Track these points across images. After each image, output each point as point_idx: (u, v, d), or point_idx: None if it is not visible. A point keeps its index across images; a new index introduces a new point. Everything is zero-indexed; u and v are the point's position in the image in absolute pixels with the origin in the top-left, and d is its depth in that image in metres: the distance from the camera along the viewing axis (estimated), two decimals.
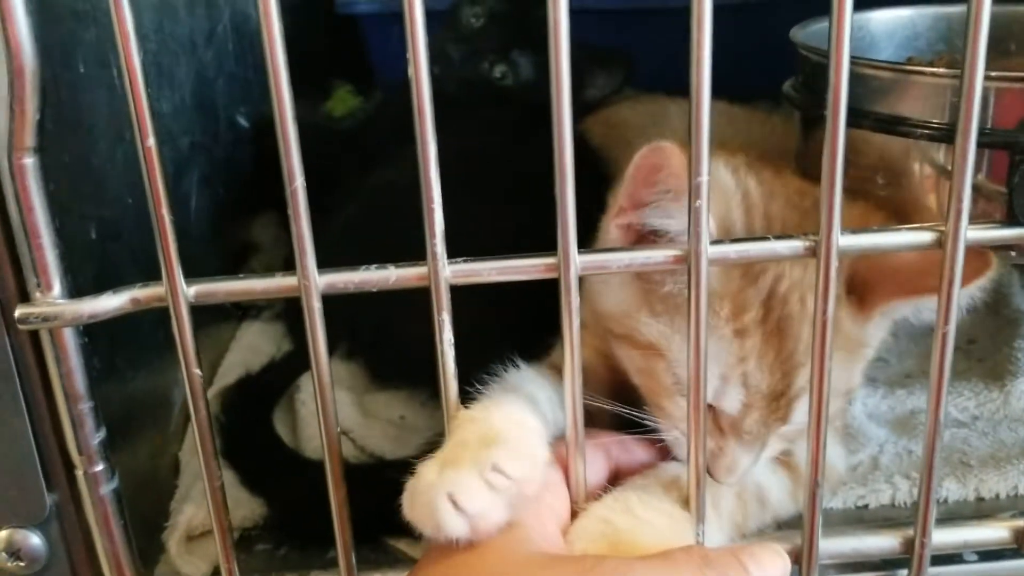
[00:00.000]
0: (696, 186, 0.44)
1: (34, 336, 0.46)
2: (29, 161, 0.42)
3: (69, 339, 0.45)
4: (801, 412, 0.51)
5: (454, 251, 0.45)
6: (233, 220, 0.88)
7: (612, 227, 0.52)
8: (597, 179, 0.75)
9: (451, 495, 0.42)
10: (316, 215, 0.91)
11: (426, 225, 0.44)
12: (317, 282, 0.45)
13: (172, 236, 0.44)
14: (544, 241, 0.62)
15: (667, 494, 0.50)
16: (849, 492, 0.60)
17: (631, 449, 0.55)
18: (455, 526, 0.42)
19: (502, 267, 0.46)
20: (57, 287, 0.45)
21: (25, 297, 0.45)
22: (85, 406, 0.47)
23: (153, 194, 0.43)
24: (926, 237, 0.47)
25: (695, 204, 0.44)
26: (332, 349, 0.75)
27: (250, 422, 0.65)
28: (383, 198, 0.77)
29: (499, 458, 0.44)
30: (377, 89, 1.17)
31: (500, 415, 0.48)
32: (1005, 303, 0.81)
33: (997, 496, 0.60)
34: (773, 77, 0.68)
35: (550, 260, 0.45)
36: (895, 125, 0.51)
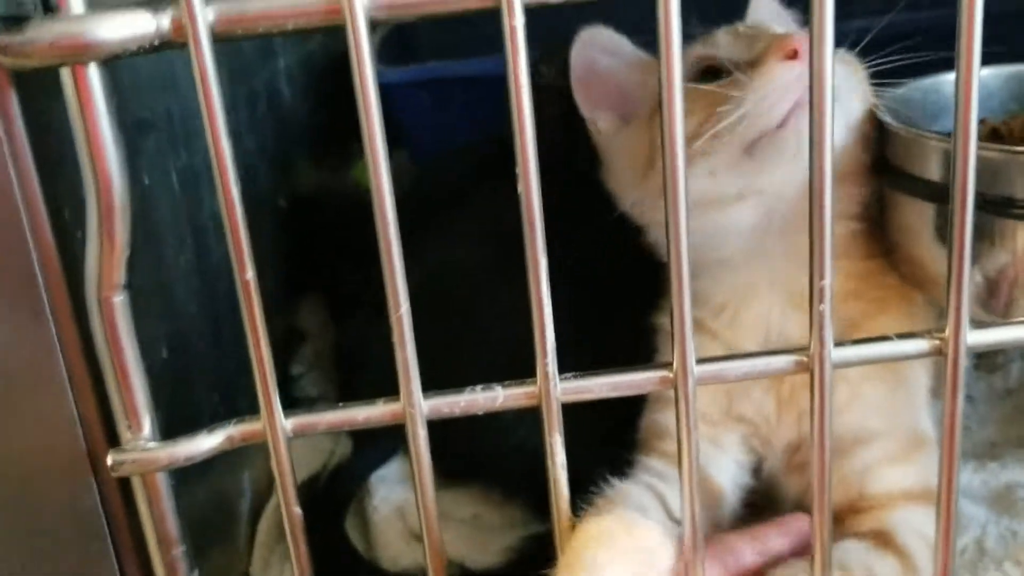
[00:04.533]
0: (819, 290, 0.42)
1: (122, 479, 0.44)
2: (119, 299, 0.40)
3: (162, 483, 0.43)
4: None
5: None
6: (278, 308, 0.86)
7: None
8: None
9: None
10: (360, 299, 0.88)
11: (537, 343, 0.42)
12: (423, 409, 0.43)
13: (271, 370, 0.42)
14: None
15: None
16: None
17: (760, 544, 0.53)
18: None
19: (615, 382, 0.43)
20: (147, 427, 0.42)
21: (114, 440, 0.42)
22: (178, 551, 0.44)
23: (252, 329, 0.41)
24: None
25: (819, 308, 0.42)
26: (394, 446, 0.73)
27: (322, 532, 0.63)
28: (440, 281, 0.74)
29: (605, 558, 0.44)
30: (405, 157, 1.15)
31: (611, 518, 0.48)
32: None
33: None
34: None
35: (665, 373, 0.43)
36: (1006, 207, 0.49)
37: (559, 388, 0.42)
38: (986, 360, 0.81)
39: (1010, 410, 0.74)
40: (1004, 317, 0.55)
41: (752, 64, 0.55)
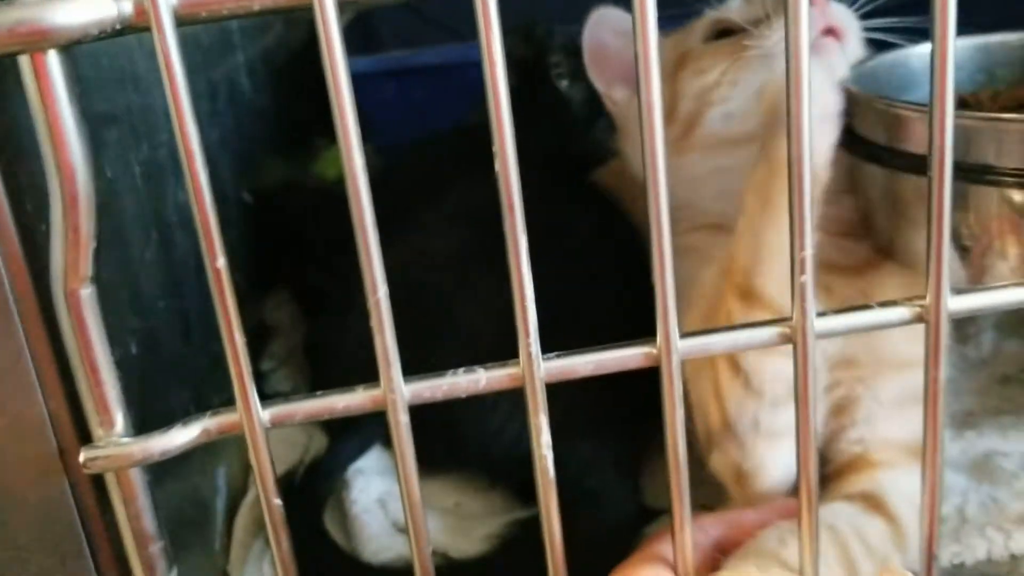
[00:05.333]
0: (801, 260, 0.41)
1: (95, 476, 0.42)
2: (86, 292, 0.39)
3: (136, 479, 0.41)
4: None
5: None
6: (247, 303, 0.84)
7: None
8: (626, 227, 0.73)
9: None
10: (332, 294, 0.87)
11: (519, 323, 0.41)
12: (404, 394, 0.42)
13: (245, 358, 0.41)
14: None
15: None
16: (944, 549, 0.57)
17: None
18: None
19: (598, 360, 0.43)
20: (120, 423, 0.41)
21: (85, 437, 0.41)
22: (155, 547, 0.43)
23: (224, 318, 0.40)
24: None
25: (800, 279, 0.42)
26: (370, 438, 0.72)
27: (301, 527, 0.61)
28: (413, 268, 0.73)
29: None
30: (370, 147, 1.14)
31: None
32: None
33: None
34: None
35: (649, 349, 0.42)
36: (983, 174, 0.49)
37: (543, 368, 0.42)
38: (958, 331, 0.82)
39: (984, 380, 0.74)
40: (978, 283, 0.56)
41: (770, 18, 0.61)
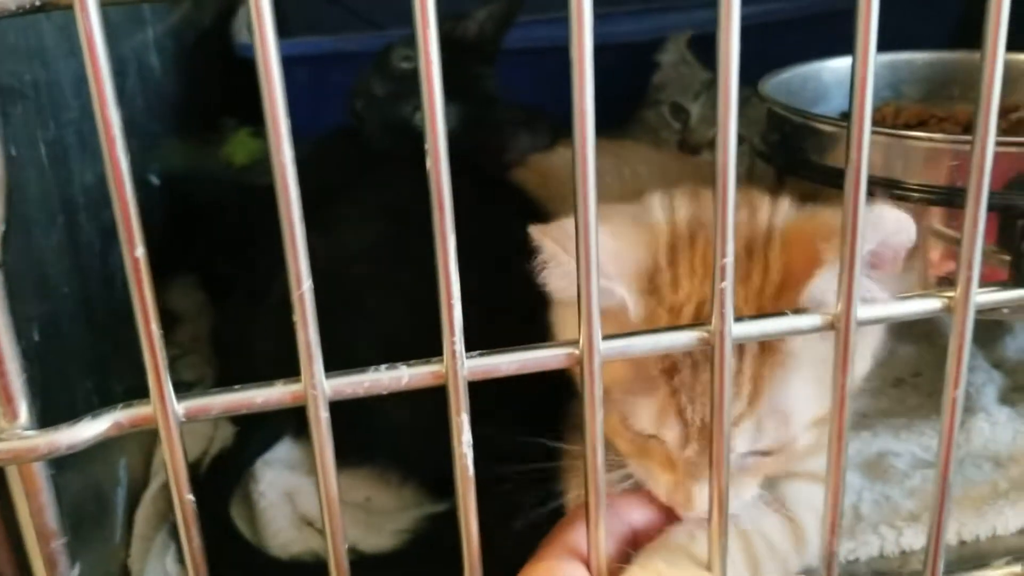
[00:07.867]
0: (721, 267, 0.42)
1: None
2: None
3: (39, 473, 0.40)
4: (744, 441, 0.51)
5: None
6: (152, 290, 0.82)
7: None
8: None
9: None
10: (241, 282, 0.85)
11: (444, 321, 0.41)
12: (325, 390, 0.41)
13: (162, 351, 0.39)
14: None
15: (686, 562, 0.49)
16: (839, 546, 0.59)
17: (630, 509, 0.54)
18: None
19: (522, 360, 0.43)
20: (24, 415, 0.39)
21: None
22: (58, 544, 0.41)
23: (141, 308, 0.39)
24: (935, 304, 0.47)
25: (720, 286, 0.43)
26: (279, 431, 0.71)
27: (207, 520, 0.60)
28: (333, 269, 0.72)
29: None
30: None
31: None
32: (939, 333, 0.83)
33: (977, 539, 0.61)
34: None
35: (571, 350, 0.43)
36: (889, 188, 0.51)
37: (466, 367, 0.42)
38: None
39: (877, 383, 0.77)
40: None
41: None
